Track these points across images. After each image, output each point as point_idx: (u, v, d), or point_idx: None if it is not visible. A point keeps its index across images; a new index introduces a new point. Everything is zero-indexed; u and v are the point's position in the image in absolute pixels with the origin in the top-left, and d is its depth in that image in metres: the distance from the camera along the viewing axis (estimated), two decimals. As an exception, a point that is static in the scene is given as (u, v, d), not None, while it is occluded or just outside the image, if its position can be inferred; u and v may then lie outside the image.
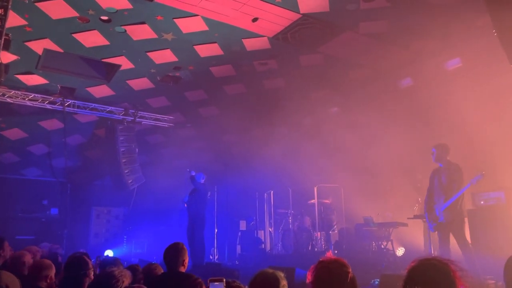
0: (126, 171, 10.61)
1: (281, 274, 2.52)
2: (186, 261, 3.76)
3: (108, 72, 9.03)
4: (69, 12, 6.78)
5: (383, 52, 8.30)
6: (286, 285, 2.51)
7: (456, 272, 1.89)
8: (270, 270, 2.55)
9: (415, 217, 7.64)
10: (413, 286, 1.91)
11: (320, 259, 2.23)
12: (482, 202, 6.92)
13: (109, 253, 10.48)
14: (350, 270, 2.17)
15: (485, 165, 7.32)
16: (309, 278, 2.18)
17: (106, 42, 7.74)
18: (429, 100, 8.26)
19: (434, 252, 6.53)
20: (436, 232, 6.34)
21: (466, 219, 6.19)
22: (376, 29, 7.55)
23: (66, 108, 9.94)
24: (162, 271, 4.11)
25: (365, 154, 9.28)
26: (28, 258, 4.68)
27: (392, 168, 8.76)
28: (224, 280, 2.01)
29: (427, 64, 8.39)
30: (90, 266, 3.58)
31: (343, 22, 7.35)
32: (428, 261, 1.96)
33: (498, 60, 6.08)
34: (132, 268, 4.34)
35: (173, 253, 3.71)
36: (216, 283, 1.94)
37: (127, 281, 3.09)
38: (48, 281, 3.68)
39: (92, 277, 3.51)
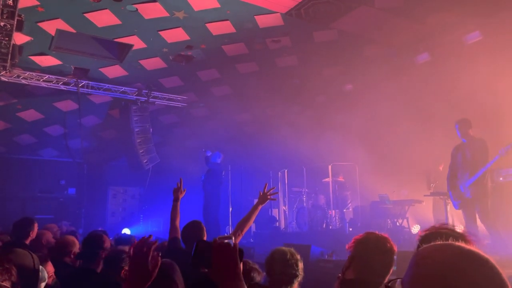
0: (141, 151, 10.69)
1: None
2: (204, 238, 3.80)
3: (120, 52, 9.00)
4: (80, -9, 6.74)
5: (399, 27, 8.09)
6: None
7: (470, 244, 1.78)
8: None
9: (432, 194, 7.59)
10: None
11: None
12: (501, 179, 6.80)
13: (126, 231, 10.67)
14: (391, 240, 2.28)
15: (506, 139, 7.17)
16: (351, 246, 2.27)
17: (118, 22, 7.68)
18: (448, 75, 8.07)
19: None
20: (461, 210, 6.29)
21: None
22: (392, 2, 7.34)
23: (80, 89, 9.97)
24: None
25: (380, 132, 9.17)
26: (48, 237, 4.79)
27: (408, 145, 8.65)
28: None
29: (445, 38, 8.16)
30: (105, 246, 3.59)
31: (358, -4, 7.16)
32: (437, 229, 1.75)
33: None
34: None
35: (191, 231, 3.74)
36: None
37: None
38: (72, 256, 3.88)
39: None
